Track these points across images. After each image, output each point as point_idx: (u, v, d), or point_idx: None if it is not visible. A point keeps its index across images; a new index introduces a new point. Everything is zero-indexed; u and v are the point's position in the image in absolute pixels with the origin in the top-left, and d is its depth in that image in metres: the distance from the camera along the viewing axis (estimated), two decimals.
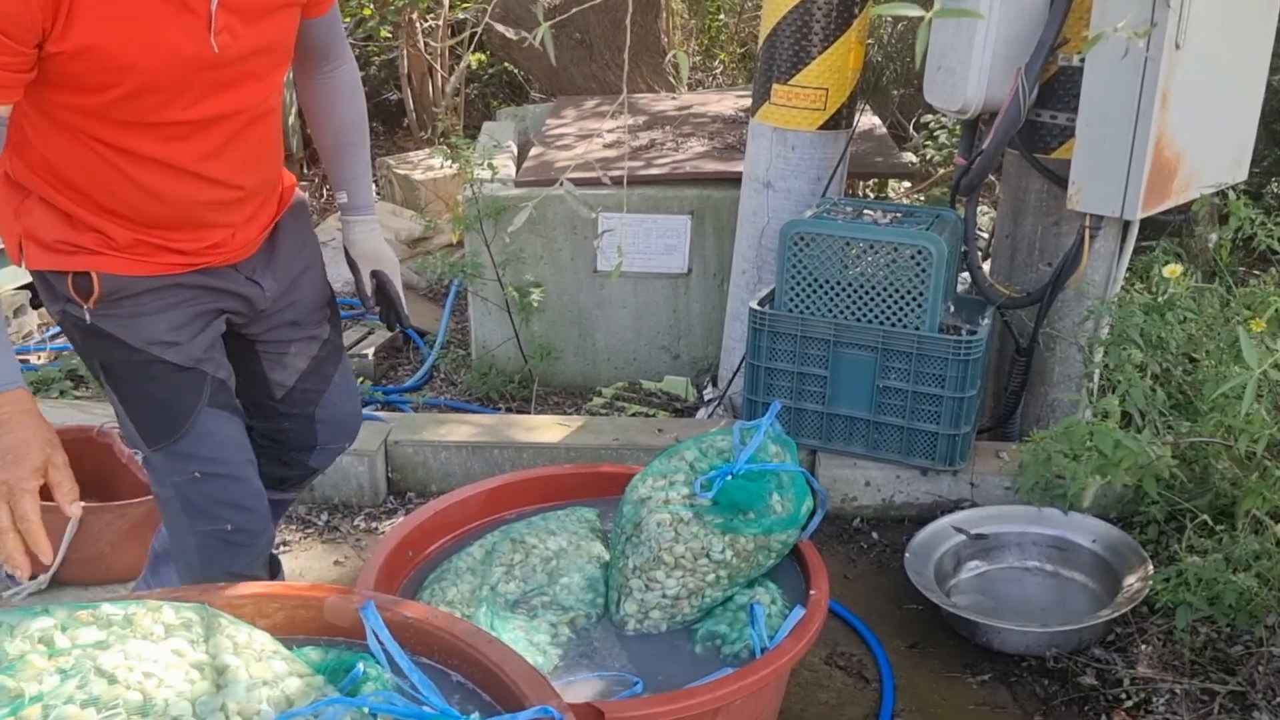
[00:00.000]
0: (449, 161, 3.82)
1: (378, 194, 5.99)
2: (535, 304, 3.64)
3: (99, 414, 3.06)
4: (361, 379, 3.78)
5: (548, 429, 3.11)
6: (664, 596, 2.03)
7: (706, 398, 3.71)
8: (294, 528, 2.92)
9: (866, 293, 2.79)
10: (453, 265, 3.77)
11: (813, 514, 2.20)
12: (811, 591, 2.07)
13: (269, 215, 1.92)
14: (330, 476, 3.00)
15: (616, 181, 3.63)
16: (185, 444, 1.82)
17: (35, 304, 4.46)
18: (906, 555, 2.54)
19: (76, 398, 3.47)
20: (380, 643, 1.28)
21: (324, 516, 2.96)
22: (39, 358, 3.99)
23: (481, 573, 2.17)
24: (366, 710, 1.33)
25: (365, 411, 3.24)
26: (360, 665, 1.40)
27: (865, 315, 2.81)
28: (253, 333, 1.96)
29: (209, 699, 1.25)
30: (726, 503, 2.02)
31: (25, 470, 1.48)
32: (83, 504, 2.52)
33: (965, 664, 2.38)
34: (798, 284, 2.86)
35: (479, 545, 2.26)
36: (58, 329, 4.34)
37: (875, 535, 2.91)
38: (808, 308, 2.87)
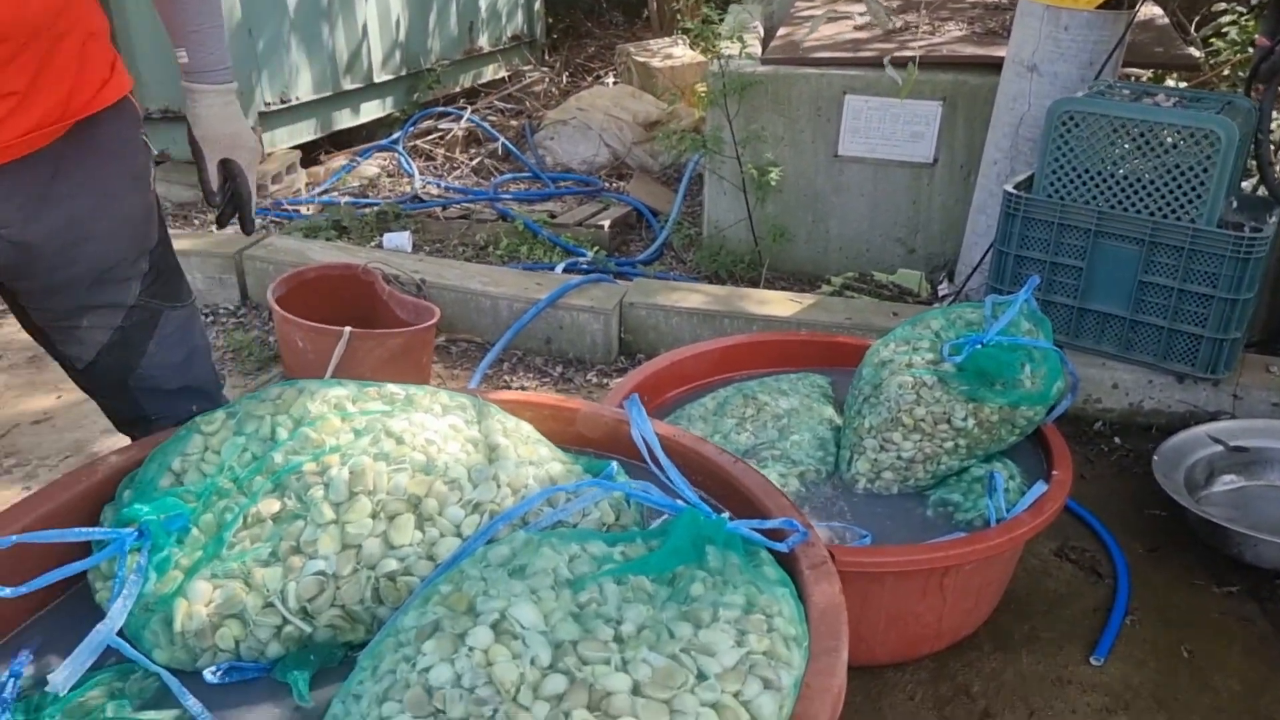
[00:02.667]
0: (690, 47, 3.80)
1: (615, 80, 6.05)
2: (773, 183, 3.60)
3: (362, 256, 3.29)
4: (596, 248, 3.89)
5: (779, 303, 3.10)
6: (898, 458, 2.01)
7: (941, 293, 3.59)
8: (531, 376, 3.06)
9: (1138, 180, 2.59)
10: (694, 140, 3.78)
11: (1062, 396, 2.11)
12: (1055, 472, 1.99)
13: (41, 106, 1.33)
14: (567, 331, 3.12)
15: (869, 62, 3.51)
16: None
17: (304, 163, 4.79)
18: (1155, 458, 2.40)
19: (342, 244, 3.73)
20: (641, 433, 1.32)
21: (559, 369, 3.09)
22: (308, 209, 4.32)
23: (714, 422, 2.22)
24: (622, 496, 1.40)
25: (598, 275, 3.34)
26: (614, 464, 1.46)
27: (1133, 204, 2.61)
28: (23, 294, 1.49)
29: (483, 468, 1.35)
30: (974, 370, 1.97)
31: None
32: (351, 329, 2.74)
33: (1211, 573, 2.24)
34: (1061, 168, 2.69)
35: (711, 397, 2.31)
36: (330, 181, 4.68)
37: (1118, 440, 2.75)
38: (1069, 193, 2.70)
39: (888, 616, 1.88)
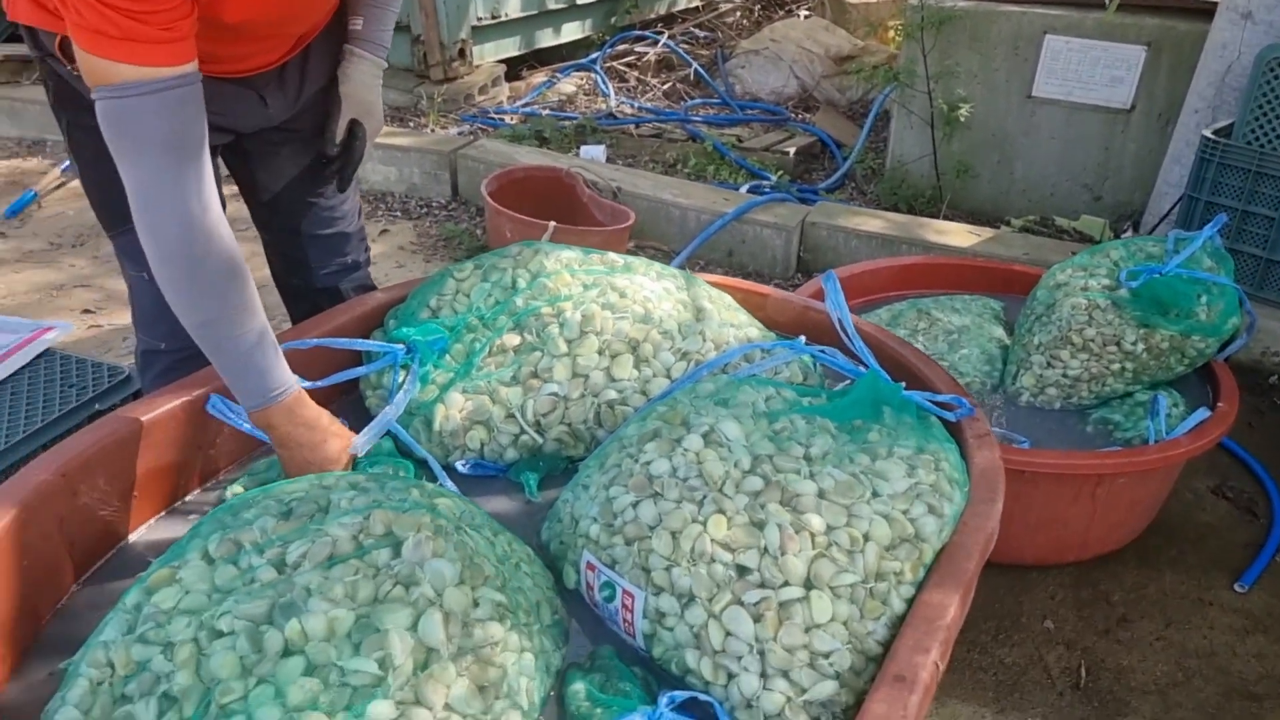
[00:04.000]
0: None
1: (808, 13, 6.09)
2: (962, 118, 3.65)
3: (564, 162, 3.54)
4: (780, 173, 4.03)
5: (958, 234, 3.18)
6: (1064, 376, 2.11)
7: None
8: None
9: None
10: (886, 73, 3.85)
11: (1237, 333, 2.16)
12: (1219, 404, 2.06)
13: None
14: (749, 245, 3.30)
15: (1074, 2, 3.50)
16: (132, 240, 1.44)
17: (508, 77, 5.06)
18: None
19: (545, 151, 4.00)
20: (834, 304, 1.49)
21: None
22: (512, 119, 4.61)
23: None
24: (810, 361, 1.59)
25: (782, 196, 3.49)
26: (802, 338, 1.64)
27: None
28: (250, 136, 1.74)
29: (691, 324, 1.56)
30: (1149, 297, 2.05)
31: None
32: (555, 223, 3.00)
33: None
34: (1264, 114, 2.67)
35: (886, 309, 2.45)
36: (531, 95, 4.96)
37: None
38: (1270, 141, 2.68)
39: (1038, 519, 2.01)
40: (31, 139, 4.56)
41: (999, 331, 2.35)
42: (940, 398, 1.48)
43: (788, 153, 4.13)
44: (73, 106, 1.53)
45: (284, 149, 1.74)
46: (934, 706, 1.80)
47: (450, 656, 1.01)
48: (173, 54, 1.19)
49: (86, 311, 3.07)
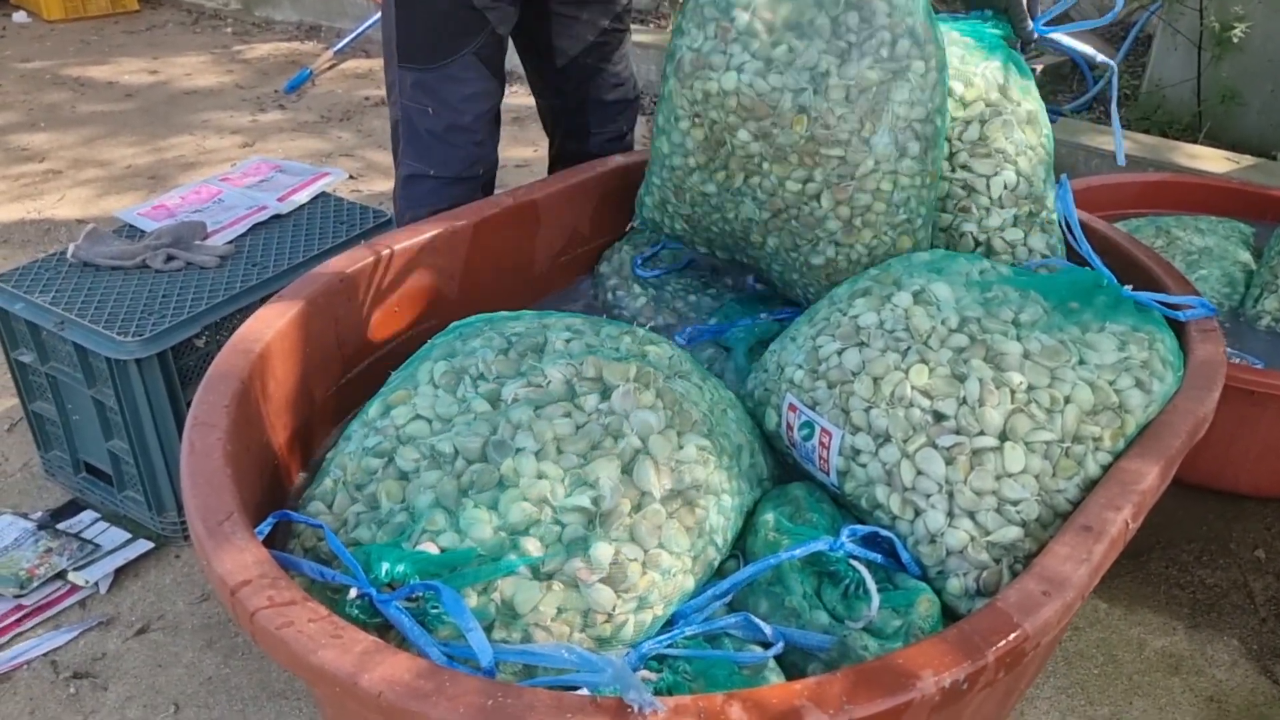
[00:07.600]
0: None
1: None
2: (1235, 39, 3.37)
3: None
4: None
5: (1212, 160, 2.99)
6: None
7: None
8: None
9: None
10: None
11: None
12: None
13: None
14: None
15: None
16: (434, 77, 1.73)
17: None
18: None
19: None
20: (1062, 207, 1.47)
21: None
22: None
23: None
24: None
25: None
26: None
27: None
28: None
29: None
30: None
31: None
32: None
33: None
34: None
35: (1122, 224, 2.36)
36: None
37: None
38: None
39: (1263, 446, 1.92)
40: (310, 24, 4.97)
41: (1245, 255, 2.23)
42: (1170, 298, 1.45)
43: (1034, 70, 3.94)
44: None
45: (584, 13, 1.90)
46: (1123, 612, 1.79)
47: (661, 499, 1.06)
48: None
49: (350, 177, 3.37)
